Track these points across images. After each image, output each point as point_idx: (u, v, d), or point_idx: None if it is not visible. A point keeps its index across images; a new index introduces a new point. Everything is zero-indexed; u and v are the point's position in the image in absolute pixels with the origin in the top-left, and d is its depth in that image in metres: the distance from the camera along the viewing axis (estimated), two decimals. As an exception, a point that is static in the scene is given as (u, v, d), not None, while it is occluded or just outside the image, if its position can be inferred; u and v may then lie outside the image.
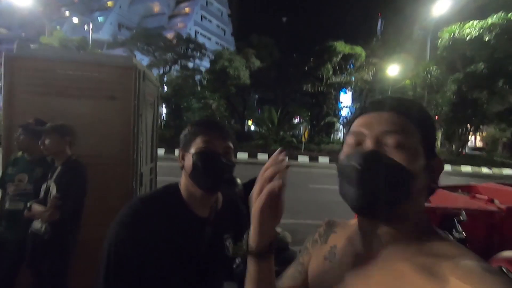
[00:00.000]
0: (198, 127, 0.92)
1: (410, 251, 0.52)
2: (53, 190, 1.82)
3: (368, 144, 0.52)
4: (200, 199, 0.92)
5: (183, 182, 0.94)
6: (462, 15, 14.40)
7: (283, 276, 0.73)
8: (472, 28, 13.60)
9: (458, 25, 14.13)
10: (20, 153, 2.17)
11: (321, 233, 0.71)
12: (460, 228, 2.09)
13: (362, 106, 0.59)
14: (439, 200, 2.72)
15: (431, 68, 15.58)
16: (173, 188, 0.95)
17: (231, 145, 0.93)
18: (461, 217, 2.06)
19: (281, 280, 0.72)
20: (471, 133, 18.59)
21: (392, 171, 0.49)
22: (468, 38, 13.71)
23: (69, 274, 1.92)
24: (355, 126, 0.57)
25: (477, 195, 2.93)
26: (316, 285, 0.64)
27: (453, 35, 14.31)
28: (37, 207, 1.82)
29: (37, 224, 1.84)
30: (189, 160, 0.89)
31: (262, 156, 14.99)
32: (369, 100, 0.60)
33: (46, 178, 1.93)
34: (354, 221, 0.65)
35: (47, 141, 1.88)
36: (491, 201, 2.69)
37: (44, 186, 1.89)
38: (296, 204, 6.65)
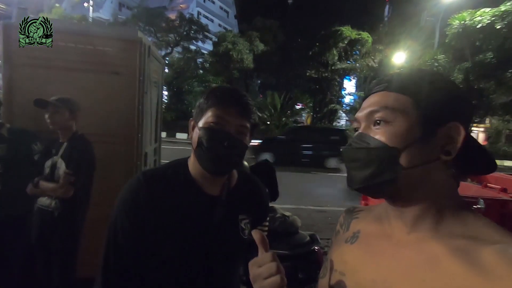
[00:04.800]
0: (213, 97, 0.78)
1: (442, 232, 0.47)
2: (61, 166, 1.75)
3: (357, 126, 0.54)
4: (208, 176, 0.81)
5: (192, 156, 0.84)
6: (474, 2, 13.91)
7: (320, 275, 0.67)
8: (483, 16, 13.17)
9: (470, 12, 13.68)
10: None
11: (342, 222, 0.67)
12: None
13: (365, 93, 0.58)
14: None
15: (439, 56, 15.23)
16: (180, 163, 0.86)
17: (247, 124, 0.79)
18: (478, 206, 2.01)
19: (320, 280, 0.67)
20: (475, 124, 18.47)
21: (369, 150, 0.49)
22: (479, 26, 13.31)
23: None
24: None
25: (489, 185, 2.88)
26: (335, 269, 0.60)
27: (464, 22, 13.89)
28: (47, 184, 1.75)
29: (45, 201, 1.78)
30: (196, 134, 0.79)
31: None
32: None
33: (49, 154, 1.86)
34: (380, 204, 0.59)
35: (56, 116, 1.78)
36: (504, 190, 2.64)
37: (48, 163, 1.82)
38: (298, 190, 6.65)
